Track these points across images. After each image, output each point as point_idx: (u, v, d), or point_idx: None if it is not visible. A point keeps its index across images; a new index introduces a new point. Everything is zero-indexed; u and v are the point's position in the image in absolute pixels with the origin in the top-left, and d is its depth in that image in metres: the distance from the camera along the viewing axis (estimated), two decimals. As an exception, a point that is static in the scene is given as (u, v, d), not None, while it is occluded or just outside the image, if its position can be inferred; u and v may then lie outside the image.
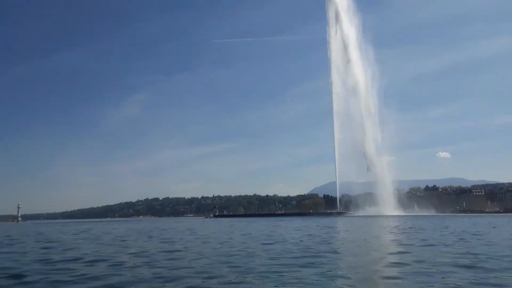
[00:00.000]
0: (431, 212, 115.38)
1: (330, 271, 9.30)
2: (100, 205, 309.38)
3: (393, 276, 8.37)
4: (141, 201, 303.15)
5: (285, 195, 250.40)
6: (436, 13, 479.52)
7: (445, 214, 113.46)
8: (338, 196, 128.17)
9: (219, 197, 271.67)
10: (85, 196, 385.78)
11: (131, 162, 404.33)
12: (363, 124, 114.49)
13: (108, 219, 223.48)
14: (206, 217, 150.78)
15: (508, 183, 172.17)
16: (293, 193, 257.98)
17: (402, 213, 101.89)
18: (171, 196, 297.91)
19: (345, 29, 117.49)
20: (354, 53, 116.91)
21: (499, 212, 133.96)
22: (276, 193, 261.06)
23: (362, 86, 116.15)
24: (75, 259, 12.29)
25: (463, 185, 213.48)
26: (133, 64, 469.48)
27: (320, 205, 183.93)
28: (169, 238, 22.86)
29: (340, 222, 48.52)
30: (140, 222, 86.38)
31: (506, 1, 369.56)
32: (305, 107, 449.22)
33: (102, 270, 9.87)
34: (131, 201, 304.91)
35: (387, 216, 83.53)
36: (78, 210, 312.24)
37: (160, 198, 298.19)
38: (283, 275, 8.61)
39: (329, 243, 17.24)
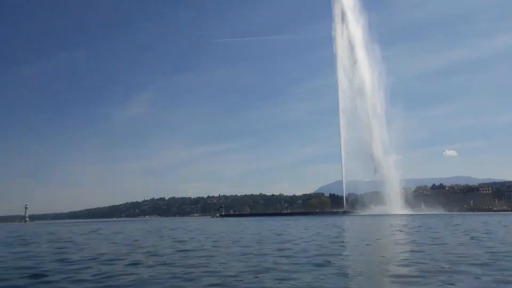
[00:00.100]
0: (438, 211, 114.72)
1: (360, 274, 9.34)
2: (106, 205, 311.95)
3: (413, 275, 8.38)
4: (147, 201, 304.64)
5: (291, 194, 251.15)
6: (440, 11, 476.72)
7: (453, 212, 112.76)
8: (344, 195, 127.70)
9: (225, 197, 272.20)
10: (91, 196, 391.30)
11: (136, 162, 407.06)
12: (370, 125, 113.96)
13: (115, 219, 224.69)
14: (212, 217, 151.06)
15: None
16: (299, 192, 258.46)
17: (409, 212, 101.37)
18: (177, 196, 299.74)
19: (352, 29, 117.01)
20: (361, 52, 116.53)
21: (507, 210, 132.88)
22: (281, 193, 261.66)
23: (368, 86, 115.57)
24: (93, 259, 12.44)
25: (470, 183, 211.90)
26: (137, 64, 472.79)
27: (326, 204, 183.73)
28: (180, 238, 22.98)
29: (347, 221, 48.41)
30: (147, 222, 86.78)
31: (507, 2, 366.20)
32: (311, 105, 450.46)
33: (121, 269, 9.99)
34: (137, 201, 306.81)
35: (394, 215, 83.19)
36: (85, 210, 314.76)
37: (166, 198, 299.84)
38: (305, 273, 8.67)
39: (342, 242, 17.27)
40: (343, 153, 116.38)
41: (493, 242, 15.76)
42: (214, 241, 19.44)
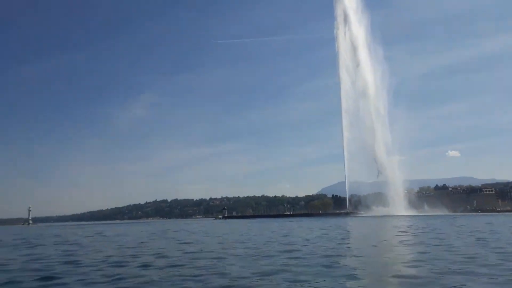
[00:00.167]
0: (442, 211, 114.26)
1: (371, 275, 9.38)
2: (109, 207, 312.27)
3: (423, 276, 8.41)
4: (149, 203, 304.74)
5: (293, 195, 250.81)
6: (442, 11, 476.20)
7: (456, 213, 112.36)
8: (347, 196, 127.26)
9: (227, 198, 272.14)
10: (94, 198, 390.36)
11: (138, 164, 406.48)
12: (373, 127, 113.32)
13: (118, 221, 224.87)
14: (215, 219, 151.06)
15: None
16: (301, 193, 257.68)
17: (413, 213, 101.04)
18: (179, 198, 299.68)
19: (354, 30, 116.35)
20: (363, 53, 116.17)
21: (510, 211, 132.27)
22: (284, 194, 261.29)
23: (371, 88, 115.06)
24: (102, 261, 12.50)
25: (473, 184, 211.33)
26: (137, 64, 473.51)
27: (329, 205, 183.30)
28: (185, 240, 23.04)
29: (351, 223, 48.37)
30: (150, 224, 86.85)
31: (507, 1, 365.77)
32: (312, 106, 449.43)
33: (132, 271, 10.05)
34: (139, 203, 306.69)
35: (397, 216, 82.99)
36: (88, 212, 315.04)
37: (169, 200, 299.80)
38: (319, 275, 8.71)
39: (348, 244, 17.30)
40: (345, 153, 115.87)
41: (500, 243, 15.76)
42: (220, 243, 19.49)
